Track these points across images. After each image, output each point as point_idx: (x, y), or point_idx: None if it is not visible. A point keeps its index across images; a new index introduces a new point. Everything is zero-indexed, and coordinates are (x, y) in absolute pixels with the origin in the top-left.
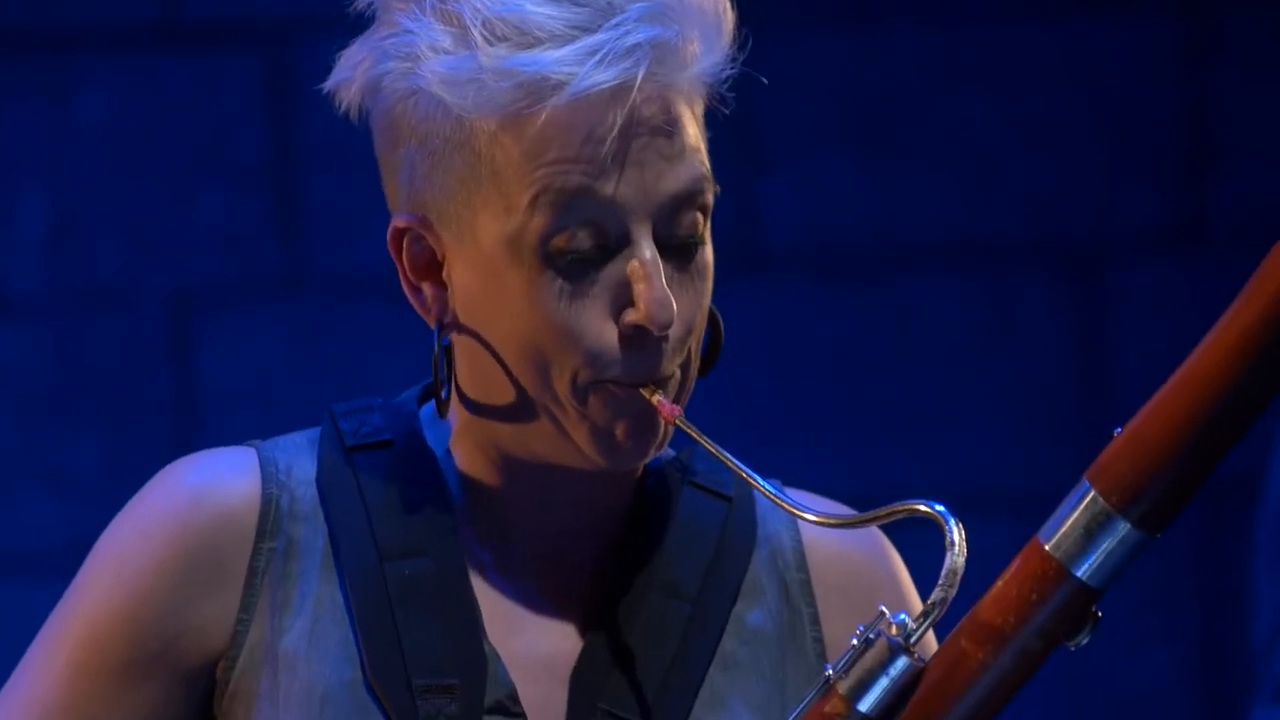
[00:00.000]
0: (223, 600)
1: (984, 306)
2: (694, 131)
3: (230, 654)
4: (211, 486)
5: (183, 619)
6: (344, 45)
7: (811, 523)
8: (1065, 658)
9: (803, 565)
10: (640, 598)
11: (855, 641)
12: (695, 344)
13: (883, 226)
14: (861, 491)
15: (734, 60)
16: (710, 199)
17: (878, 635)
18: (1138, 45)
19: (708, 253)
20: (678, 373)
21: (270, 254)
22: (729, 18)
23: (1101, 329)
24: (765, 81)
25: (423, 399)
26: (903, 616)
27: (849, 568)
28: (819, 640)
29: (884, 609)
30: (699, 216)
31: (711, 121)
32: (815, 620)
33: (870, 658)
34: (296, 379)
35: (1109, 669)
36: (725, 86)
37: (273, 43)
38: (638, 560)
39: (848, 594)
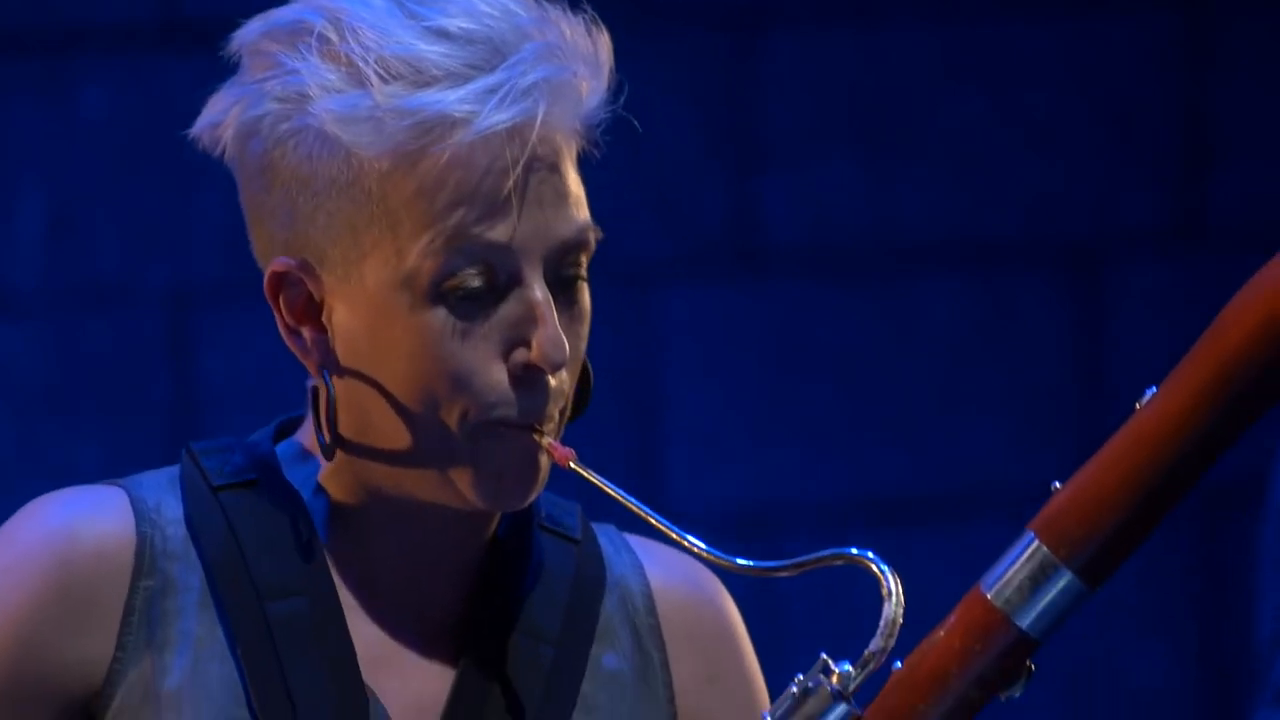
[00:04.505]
0: (99, 638)
1: (984, 306)
2: (576, 174)
3: (105, 692)
4: (87, 524)
5: (58, 656)
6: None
7: (736, 570)
8: (1065, 657)
9: (652, 610)
10: (505, 641)
11: (794, 689)
12: (572, 387)
13: (883, 226)
14: (861, 491)
15: (612, 104)
16: (594, 243)
17: (817, 684)
18: (1138, 45)
19: (588, 294)
20: (556, 414)
21: None
22: (608, 58)
23: (1101, 328)
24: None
25: (277, 437)
26: (846, 665)
27: (696, 614)
28: (669, 685)
29: (824, 655)
30: (584, 257)
31: (713, 120)
32: (665, 665)
33: (810, 705)
34: (296, 377)
35: (1107, 669)
36: (599, 130)
37: None
38: (500, 603)
39: (695, 640)
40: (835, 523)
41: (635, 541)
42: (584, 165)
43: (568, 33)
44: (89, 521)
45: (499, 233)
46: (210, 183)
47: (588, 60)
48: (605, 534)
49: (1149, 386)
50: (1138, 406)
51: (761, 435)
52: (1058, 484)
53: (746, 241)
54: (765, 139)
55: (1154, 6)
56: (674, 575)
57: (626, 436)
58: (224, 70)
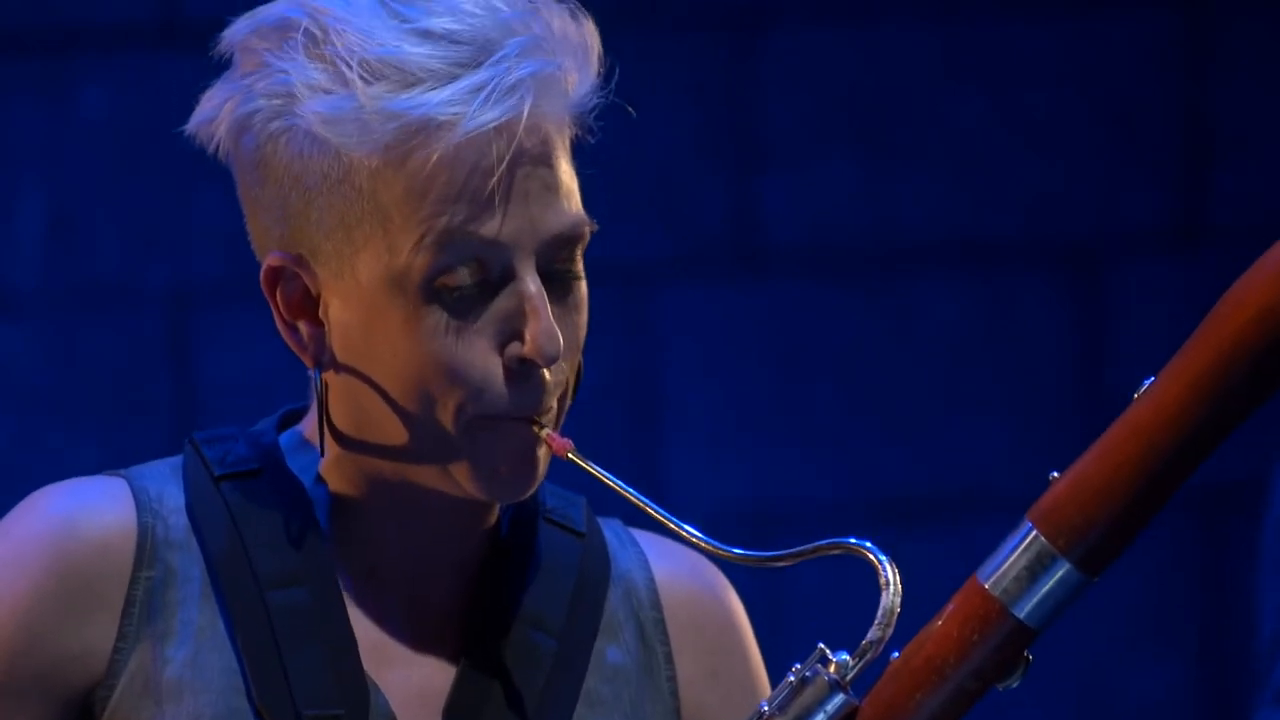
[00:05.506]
0: (100, 628)
1: (984, 306)
2: (568, 165)
3: (107, 682)
4: (88, 515)
5: (59, 646)
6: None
7: (733, 560)
8: (1065, 659)
9: (656, 604)
10: (509, 633)
11: (792, 679)
12: (572, 377)
13: (883, 226)
14: (861, 491)
15: (603, 89)
16: (588, 235)
17: (815, 673)
18: (1138, 45)
19: (584, 286)
20: (555, 405)
21: None
22: (596, 45)
23: (1101, 328)
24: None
25: (280, 427)
26: (843, 655)
27: (701, 608)
28: (672, 679)
29: (822, 645)
30: (578, 251)
31: (713, 120)
32: (669, 659)
33: (808, 695)
34: (296, 378)
35: (1107, 671)
36: (592, 116)
37: None
38: (504, 595)
39: (699, 633)
40: (835, 523)
41: (641, 535)
42: (584, 166)
43: (554, 24)
44: (90, 512)
45: (488, 230)
46: (210, 183)
47: (574, 51)
48: (610, 528)
49: (1147, 377)
50: (1135, 396)
51: (761, 435)
52: (1055, 474)
53: (746, 241)
54: (765, 139)
55: (1154, 6)
56: (679, 569)
57: (626, 436)
58: (223, 71)
